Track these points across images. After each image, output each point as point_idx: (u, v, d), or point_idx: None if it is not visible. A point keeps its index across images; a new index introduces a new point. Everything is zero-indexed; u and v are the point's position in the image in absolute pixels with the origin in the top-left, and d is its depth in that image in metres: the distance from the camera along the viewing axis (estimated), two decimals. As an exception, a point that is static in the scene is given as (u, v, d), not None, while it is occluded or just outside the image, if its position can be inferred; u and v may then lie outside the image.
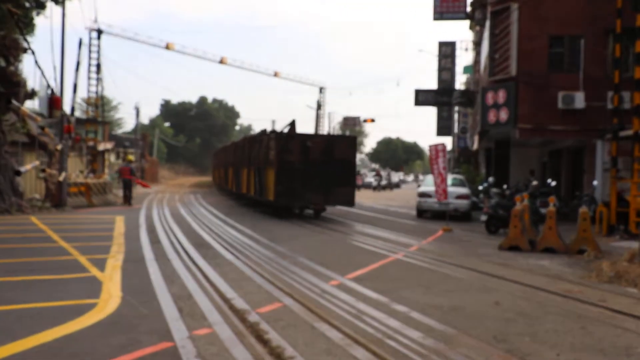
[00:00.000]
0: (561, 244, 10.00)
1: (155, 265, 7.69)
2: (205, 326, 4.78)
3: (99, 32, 30.70)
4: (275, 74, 45.68)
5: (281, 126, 17.81)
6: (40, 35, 32.83)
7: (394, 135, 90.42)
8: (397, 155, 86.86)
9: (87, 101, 31.76)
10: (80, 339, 4.37)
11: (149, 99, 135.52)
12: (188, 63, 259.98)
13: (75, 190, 18.37)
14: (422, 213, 17.31)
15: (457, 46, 32.69)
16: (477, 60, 26.35)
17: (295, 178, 15.43)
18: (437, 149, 14.03)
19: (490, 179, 16.70)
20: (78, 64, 27.28)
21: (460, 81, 38.00)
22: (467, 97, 26.49)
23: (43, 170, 17.50)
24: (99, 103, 31.32)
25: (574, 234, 10.10)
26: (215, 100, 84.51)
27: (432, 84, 68.67)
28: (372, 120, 53.14)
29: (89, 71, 29.98)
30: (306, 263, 8.19)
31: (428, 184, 17.70)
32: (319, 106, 49.56)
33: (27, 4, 16.54)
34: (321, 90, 49.74)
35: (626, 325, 5.20)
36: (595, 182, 15.10)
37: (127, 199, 19.51)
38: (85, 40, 29.97)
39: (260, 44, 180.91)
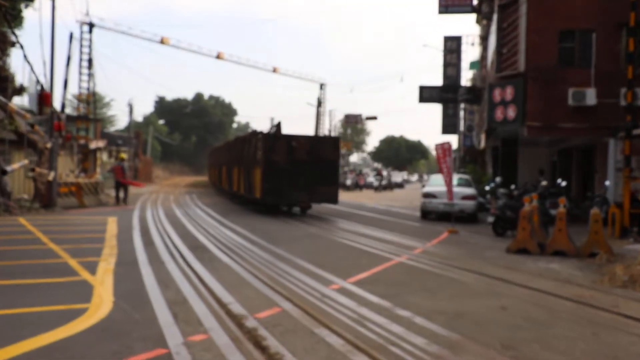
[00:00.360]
0: (572, 247, 9.80)
1: (149, 269, 7.53)
2: (200, 332, 4.68)
3: (91, 25, 29.85)
4: (274, 70, 44.65)
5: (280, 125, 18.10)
6: (29, 29, 32.76)
7: (397, 134, 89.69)
8: (401, 154, 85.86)
9: (79, 98, 31.08)
10: (70, 346, 4.27)
11: (143, 95, 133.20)
12: (183, 58, 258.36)
13: (66, 190, 17.90)
14: (427, 214, 17.13)
15: (463, 41, 32.09)
16: (483, 56, 26.07)
17: (281, 177, 16.24)
18: (443, 147, 13.94)
19: (498, 179, 16.48)
20: (69, 58, 26.81)
21: (466, 77, 37.56)
22: (474, 94, 26.28)
23: (32, 170, 16.91)
24: (91, 100, 30.61)
25: (585, 236, 9.91)
26: (211, 97, 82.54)
27: (437, 80, 68.14)
28: (375, 118, 53.06)
29: (80, 66, 29.12)
30: (306, 266, 8.06)
31: (433, 184, 17.55)
32: (319, 103, 48.75)
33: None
34: (322, 86, 48.72)
35: (640, 332, 5.05)
36: (607, 182, 14.86)
37: (120, 199, 19.27)
38: (77, 34, 28.99)
39: (258, 38, 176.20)
